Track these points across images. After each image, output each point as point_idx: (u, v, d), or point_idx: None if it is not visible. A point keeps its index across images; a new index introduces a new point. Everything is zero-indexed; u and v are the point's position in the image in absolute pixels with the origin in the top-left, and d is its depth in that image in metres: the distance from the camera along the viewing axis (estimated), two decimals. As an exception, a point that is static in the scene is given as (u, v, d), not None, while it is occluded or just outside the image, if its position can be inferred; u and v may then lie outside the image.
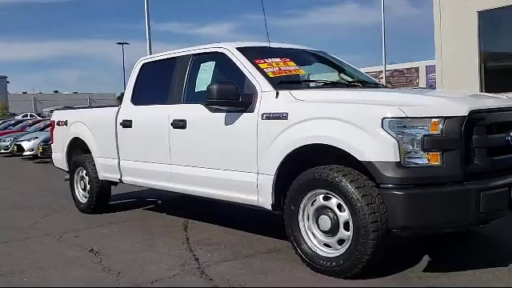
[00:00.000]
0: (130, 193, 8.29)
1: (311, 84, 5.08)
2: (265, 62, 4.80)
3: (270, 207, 4.38)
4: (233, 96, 4.49)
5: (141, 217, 6.76)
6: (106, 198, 7.08)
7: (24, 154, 17.95)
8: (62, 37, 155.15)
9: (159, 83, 6.00)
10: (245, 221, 6.02)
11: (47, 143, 16.30)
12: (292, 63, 4.94)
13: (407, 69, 51.67)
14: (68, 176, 7.72)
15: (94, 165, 6.82)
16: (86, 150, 7.10)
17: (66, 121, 7.40)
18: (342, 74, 5.72)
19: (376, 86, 5.43)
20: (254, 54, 4.93)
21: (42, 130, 20.70)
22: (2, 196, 9.48)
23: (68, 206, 7.66)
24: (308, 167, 4.13)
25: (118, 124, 6.20)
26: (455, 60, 9.83)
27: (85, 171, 7.09)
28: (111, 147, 6.37)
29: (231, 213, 6.43)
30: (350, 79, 5.50)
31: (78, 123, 7.12)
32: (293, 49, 5.47)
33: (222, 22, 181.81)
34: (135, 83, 6.21)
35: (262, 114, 4.37)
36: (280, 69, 4.75)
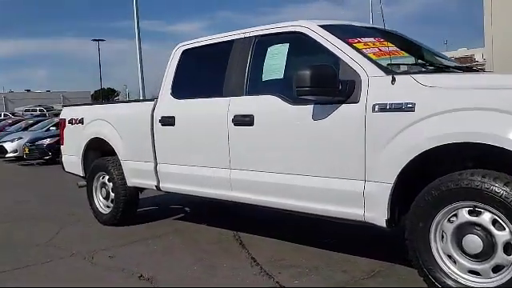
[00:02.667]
0: (146, 199, 7.24)
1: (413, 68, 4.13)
2: (359, 42, 3.90)
3: (383, 223, 3.47)
4: (331, 83, 3.58)
5: (178, 229, 5.79)
6: (133, 208, 6.10)
7: (7, 155, 16.68)
8: (31, 34, 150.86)
9: (209, 72, 5.07)
10: (306, 232, 5.13)
11: (34, 144, 15.22)
12: (389, 44, 4.04)
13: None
14: (83, 182, 6.71)
15: (121, 169, 5.83)
16: (108, 152, 6.12)
17: (82, 119, 6.38)
18: (420, 58, 4.82)
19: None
20: (343, 33, 4.03)
21: (25, 129, 19.47)
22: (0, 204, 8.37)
23: (83, 217, 6.67)
24: (425, 173, 3.31)
25: (156, 121, 5.22)
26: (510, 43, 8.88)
27: (107, 177, 6.09)
28: (145, 149, 5.39)
29: (281, 219, 5.54)
30: (438, 63, 4.57)
31: (98, 121, 6.10)
32: (375, 28, 4.57)
33: (193, 20, 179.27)
34: (175, 73, 5.22)
35: (374, 105, 3.45)
36: (380, 50, 3.86)
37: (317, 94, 3.59)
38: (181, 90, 5.16)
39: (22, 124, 20.63)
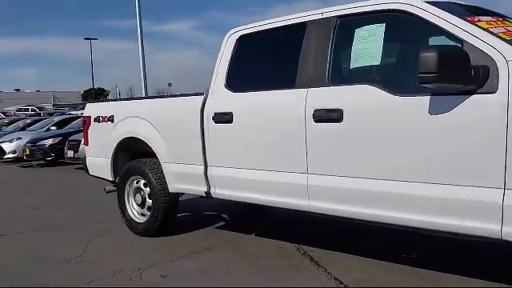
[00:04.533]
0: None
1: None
2: (480, 21, 3.23)
3: (528, 241, 2.80)
4: (463, 68, 2.91)
5: (227, 240, 5.10)
6: (173, 216, 5.40)
7: (5, 157, 15.85)
8: (21, 33, 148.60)
9: (274, 60, 4.37)
10: (380, 243, 4.48)
11: (35, 144, 14.44)
12: (509, 23, 3.37)
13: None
14: (111, 187, 6.00)
15: (161, 173, 5.12)
16: (142, 154, 5.43)
17: (112, 116, 5.65)
18: None
19: None
20: (457, 11, 3.35)
21: (23, 129, 18.62)
22: (9, 212, 7.59)
23: (110, 226, 5.99)
24: None
25: (208, 118, 4.52)
26: None
27: (143, 181, 5.38)
28: (193, 150, 4.70)
29: (339, 226, 4.90)
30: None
31: (133, 119, 5.39)
32: (477, 6, 3.89)
33: (183, 19, 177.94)
34: (230, 63, 4.52)
35: (521, 96, 2.77)
36: (507, 29, 3.19)
37: (446, 82, 2.90)
38: (238, 81, 4.47)
39: (20, 124, 19.75)
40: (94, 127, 5.96)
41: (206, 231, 5.54)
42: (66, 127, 16.05)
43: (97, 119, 5.88)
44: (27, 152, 14.59)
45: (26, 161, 15.00)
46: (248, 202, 4.42)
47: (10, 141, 16.10)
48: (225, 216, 6.28)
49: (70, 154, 12.76)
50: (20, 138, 15.88)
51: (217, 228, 5.67)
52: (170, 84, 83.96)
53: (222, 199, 4.74)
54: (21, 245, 5.46)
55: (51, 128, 16.58)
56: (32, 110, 40.58)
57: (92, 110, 6.09)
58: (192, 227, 5.63)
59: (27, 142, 14.84)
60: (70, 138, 13.11)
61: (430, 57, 2.84)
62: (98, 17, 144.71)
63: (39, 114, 29.66)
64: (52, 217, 6.95)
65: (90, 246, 5.23)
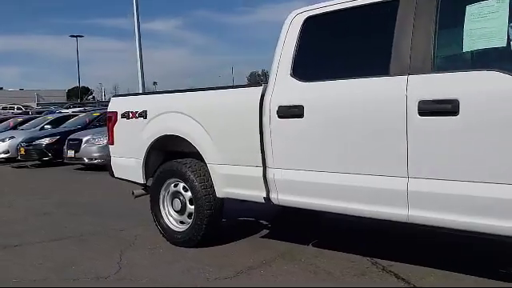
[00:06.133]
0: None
1: None
2: None
3: None
4: None
5: (283, 252, 4.49)
6: (218, 225, 4.77)
7: (-4, 157, 15.04)
8: (2, 31, 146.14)
9: (358, 43, 3.76)
10: (465, 256, 3.91)
11: (31, 144, 13.65)
12: None
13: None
14: (140, 191, 5.36)
15: (206, 176, 4.50)
16: (180, 154, 4.82)
17: (145, 111, 5.00)
18: None
19: None
20: None
21: (13, 128, 17.78)
22: (16, 217, 6.87)
23: (139, 234, 5.37)
24: None
25: (270, 113, 3.90)
26: None
27: (182, 184, 4.74)
28: (249, 149, 4.08)
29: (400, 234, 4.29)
30: None
31: (171, 114, 4.75)
32: None
33: (168, 17, 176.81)
34: (297, 48, 3.90)
35: None
36: None
37: None
38: (309, 69, 3.87)
39: (10, 122, 18.85)
40: (121, 124, 5.30)
41: (252, 241, 4.92)
42: (62, 126, 15.29)
43: (125, 115, 5.22)
44: (22, 152, 13.80)
45: (18, 161, 14.23)
46: (324, 210, 3.80)
47: (2, 140, 15.31)
48: (264, 222, 5.66)
49: (71, 153, 12.04)
50: (13, 137, 15.11)
51: (263, 237, 5.06)
52: (155, 83, 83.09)
53: (284, 205, 4.11)
54: (42, 257, 4.80)
55: (45, 127, 15.80)
56: (18, 109, 39.55)
57: (119, 104, 5.42)
58: (234, 236, 5.01)
59: (22, 142, 14.05)
60: (70, 137, 12.38)
61: None
62: (83, 15, 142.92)
63: (27, 113, 28.73)
64: (67, 223, 6.27)
65: (124, 258, 4.60)
